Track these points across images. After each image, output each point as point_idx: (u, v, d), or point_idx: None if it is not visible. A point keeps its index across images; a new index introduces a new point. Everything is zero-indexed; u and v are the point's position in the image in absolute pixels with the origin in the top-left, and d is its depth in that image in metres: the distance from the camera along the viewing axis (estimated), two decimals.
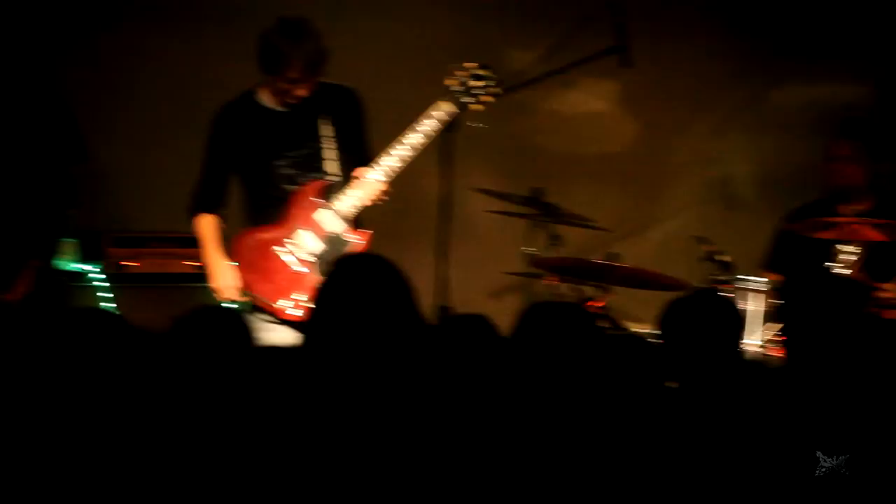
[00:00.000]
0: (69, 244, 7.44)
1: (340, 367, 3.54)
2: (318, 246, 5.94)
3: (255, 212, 6.01)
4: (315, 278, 5.82)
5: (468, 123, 5.94)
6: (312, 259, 5.94)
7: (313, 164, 5.96)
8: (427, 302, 5.77)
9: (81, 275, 7.47)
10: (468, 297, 6.37)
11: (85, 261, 7.49)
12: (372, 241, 5.94)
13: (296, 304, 5.86)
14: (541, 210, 7.31)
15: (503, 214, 7.57)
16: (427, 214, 6.37)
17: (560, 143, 8.72)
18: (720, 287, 6.76)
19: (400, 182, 5.98)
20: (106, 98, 8.15)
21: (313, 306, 3.71)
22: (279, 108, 5.97)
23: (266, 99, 5.98)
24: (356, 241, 5.94)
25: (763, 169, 8.80)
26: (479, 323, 3.88)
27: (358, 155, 5.96)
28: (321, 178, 5.96)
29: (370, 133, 6.06)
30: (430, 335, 3.75)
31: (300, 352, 3.65)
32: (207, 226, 6.07)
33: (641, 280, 7.10)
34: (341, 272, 3.69)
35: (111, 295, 7.42)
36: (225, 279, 5.98)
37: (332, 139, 5.96)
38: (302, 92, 5.86)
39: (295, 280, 5.92)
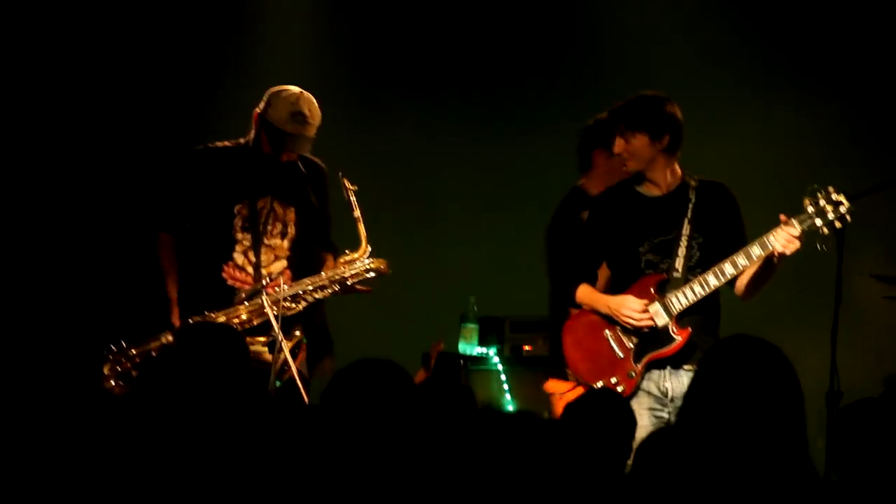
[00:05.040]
0: (470, 328, 7.78)
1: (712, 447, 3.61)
2: (642, 335, 5.98)
3: (613, 293, 6.08)
4: (632, 366, 5.95)
5: (817, 244, 5.90)
6: (632, 347, 5.99)
7: (672, 254, 6.02)
8: (818, 387, 5.87)
9: (481, 358, 7.78)
10: (861, 382, 6.31)
11: (484, 344, 7.80)
12: (690, 338, 5.88)
13: (608, 387, 5.92)
14: None
15: None
16: (823, 299, 6.37)
17: None
18: None
19: (796, 266, 5.99)
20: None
21: (694, 383, 3.79)
22: (652, 195, 6.08)
23: (642, 186, 6.10)
24: (677, 338, 5.93)
25: None
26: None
27: (728, 248, 5.94)
28: (667, 272, 6.00)
29: (743, 227, 6.05)
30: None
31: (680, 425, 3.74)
32: (586, 289, 6.13)
33: None
34: (722, 353, 3.78)
35: (506, 377, 7.70)
36: (630, 307, 6.02)
37: (687, 236, 6.05)
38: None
39: (614, 364, 5.99)
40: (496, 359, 7.73)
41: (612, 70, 8.62)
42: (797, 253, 5.86)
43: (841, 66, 8.55)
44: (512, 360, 7.76)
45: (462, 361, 7.68)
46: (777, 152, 8.50)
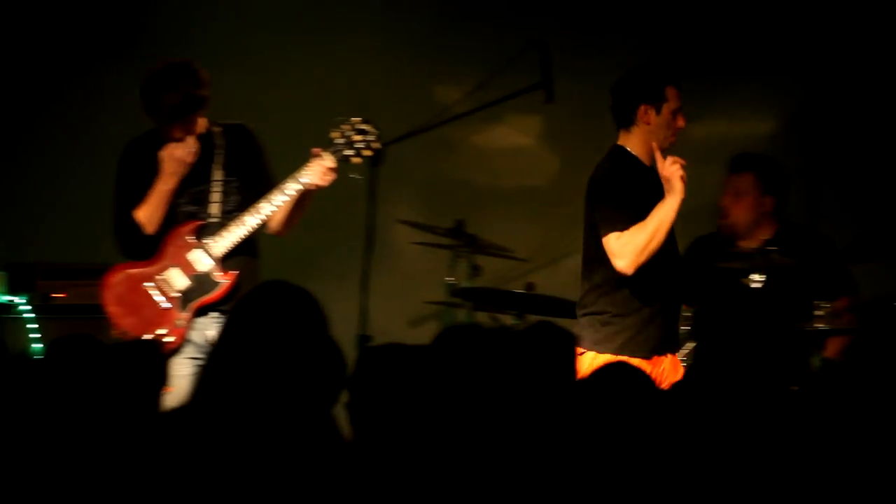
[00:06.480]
0: None
1: (245, 392, 3.65)
2: (185, 283, 5.98)
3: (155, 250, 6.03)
4: (179, 315, 5.96)
5: (349, 174, 6.03)
6: (178, 296, 5.98)
7: (209, 202, 6.03)
8: (348, 331, 6.00)
9: (9, 306, 7.53)
10: (389, 326, 6.51)
11: (13, 292, 7.56)
12: (237, 281, 5.94)
13: (158, 338, 5.88)
14: (462, 241, 7.48)
15: (426, 245, 7.72)
16: (354, 246, 6.51)
17: (483, 176, 8.86)
18: None
19: (328, 215, 6.07)
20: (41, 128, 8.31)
21: (223, 330, 3.81)
22: None
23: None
24: (223, 281, 5.98)
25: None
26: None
27: (261, 188, 5.99)
28: (202, 218, 6.01)
29: (269, 165, 6.11)
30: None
31: (207, 371, 3.75)
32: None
33: (558, 308, 7.27)
34: (254, 299, 3.80)
35: (38, 326, 7.48)
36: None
37: (220, 181, 6.03)
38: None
39: (160, 315, 5.98)
40: (26, 307, 7.50)
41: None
42: (332, 201, 5.97)
43: None
44: (43, 308, 7.55)
45: None
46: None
